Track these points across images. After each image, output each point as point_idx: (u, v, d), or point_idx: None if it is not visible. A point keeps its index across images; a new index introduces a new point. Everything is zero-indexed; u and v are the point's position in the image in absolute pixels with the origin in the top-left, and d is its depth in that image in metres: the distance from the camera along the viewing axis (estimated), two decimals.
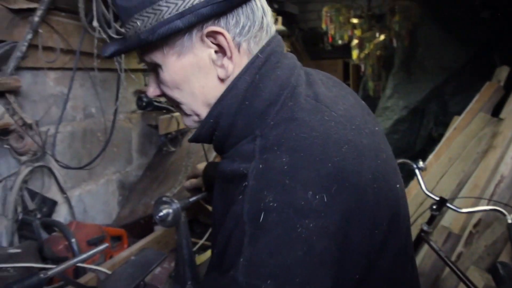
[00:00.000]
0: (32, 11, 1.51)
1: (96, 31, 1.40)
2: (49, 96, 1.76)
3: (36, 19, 1.50)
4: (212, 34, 0.69)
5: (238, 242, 0.59)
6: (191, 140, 0.80)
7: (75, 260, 0.86)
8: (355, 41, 3.83)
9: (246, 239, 0.58)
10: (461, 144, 3.18)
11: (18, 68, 1.54)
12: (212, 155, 2.10)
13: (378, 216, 0.67)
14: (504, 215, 2.02)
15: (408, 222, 0.82)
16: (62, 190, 1.75)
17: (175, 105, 0.79)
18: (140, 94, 1.41)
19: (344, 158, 0.64)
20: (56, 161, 1.49)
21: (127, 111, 2.32)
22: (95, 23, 1.35)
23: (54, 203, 1.74)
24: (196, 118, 0.78)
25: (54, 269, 0.80)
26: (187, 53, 0.70)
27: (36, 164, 1.57)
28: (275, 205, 0.58)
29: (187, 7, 0.65)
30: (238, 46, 0.71)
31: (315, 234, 0.57)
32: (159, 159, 2.52)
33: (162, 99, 1.41)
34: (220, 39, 0.69)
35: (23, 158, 1.54)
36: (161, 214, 1.20)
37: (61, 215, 1.83)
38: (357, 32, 3.83)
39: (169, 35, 0.67)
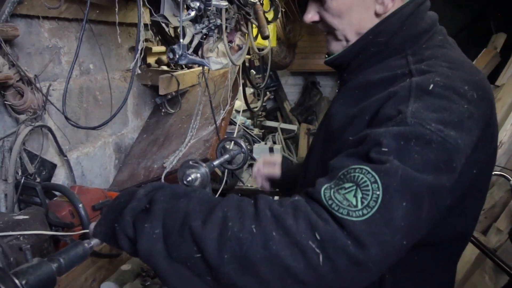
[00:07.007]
0: None
1: None
2: (44, 49, 1.58)
3: None
4: None
5: (392, 109, 0.73)
6: (328, 61, 0.97)
7: None
8: None
9: (411, 99, 0.72)
10: None
11: (13, 15, 1.36)
12: (219, 118, 1.99)
13: (493, 140, 0.86)
14: (509, 180, 2.05)
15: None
16: (62, 152, 1.62)
17: (329, 31, 0.93)
18: (171, 46, 1.26)
19: (484, 79, 0.84)
20: (67, 119, 1.35)
21: (122, 69, 2.16)
22: None
23: (53, 166, 1.61)
24: (344, 43, 0.92)
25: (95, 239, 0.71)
26: None
27: (37, 124, 1.43)
28: (441, 84, 0.74)
29: None
30: None
31: (467, 114, 0.73)
32: (155, 121, 2.39)
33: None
34: None
35: (22, 117, 1.39)
36: (189, 179, 1.11)
37: (59, 179, 1.71)
38: None
39: None
